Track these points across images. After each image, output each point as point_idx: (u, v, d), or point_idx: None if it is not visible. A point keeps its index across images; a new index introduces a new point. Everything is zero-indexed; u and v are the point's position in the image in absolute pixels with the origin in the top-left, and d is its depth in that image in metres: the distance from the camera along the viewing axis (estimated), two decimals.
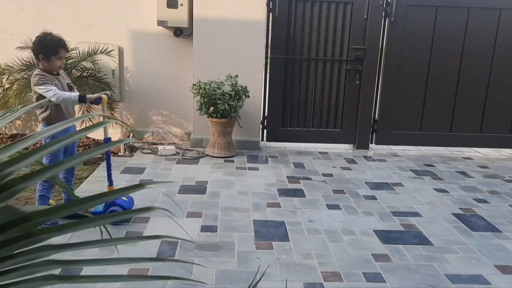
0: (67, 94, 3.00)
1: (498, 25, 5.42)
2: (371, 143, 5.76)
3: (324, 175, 4.59)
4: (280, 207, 3.69)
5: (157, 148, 5.13)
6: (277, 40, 5.41)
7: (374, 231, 3.31)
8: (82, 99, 3.04)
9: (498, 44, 5.46)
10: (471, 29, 5.41)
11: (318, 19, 5.36)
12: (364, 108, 5.58)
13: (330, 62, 5.50)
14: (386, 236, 3.22)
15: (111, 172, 3.32)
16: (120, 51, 5.31)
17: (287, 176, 4.47)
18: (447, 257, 2.95)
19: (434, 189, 4.31)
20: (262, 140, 5.69)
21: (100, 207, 3.31)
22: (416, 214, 3.65)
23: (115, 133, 5.41)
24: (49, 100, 3.01)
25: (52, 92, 2.94)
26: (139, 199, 3.59)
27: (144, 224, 3.22)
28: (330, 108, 5.62)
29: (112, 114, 5.09)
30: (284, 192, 4.02)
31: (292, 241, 3.08)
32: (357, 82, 5.50)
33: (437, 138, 5.74)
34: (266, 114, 5.63)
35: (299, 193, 4.03)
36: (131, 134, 5.52)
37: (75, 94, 3.04)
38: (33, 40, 3.06)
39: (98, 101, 3.15)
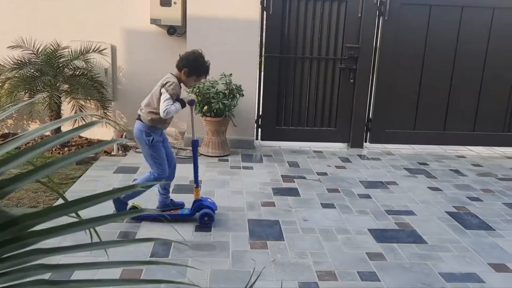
0: (173, 108, 3.01)
1: (491, 24, 5.44)
2: (366, 141, 5.77)
3: (318, 174, 4.59)
4: (274, 206, 3.68)
5: None
6: (271, 39, 5.40)
7: (369, 230, 3.31)
8: (183, 106, 3.11)
9: (491, 43, 5.49)
10: (464, 28, 5.43)
11: (312, 18, 5.35)
12: (358, 107, 5.58)
13: (325, 60, 5.50)
14: (380, 235, 3.22)
15: (198, 174, 3.31)
16: (113, 50, 5.29)
17: (281, 175, 4.46)
18: (441, 256, 2.95)
19: (428, 187, 4.32)
20: (257, 139, 5.67)
21: (185, 210, 3.33)
22: (410, 213, 3.66)
23: (108, 132, 5.37)
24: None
25: (165, 106, 2.97)
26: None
27: (138, 224, 3.19)
28: (325, 107, 5.62)
29: (105, 113, 5.05)
30: (278, 191, 4.01)
31: (287, 240, 3.07)
32: (351, 81, 5.50)
33: (431, 137, 5.76)
34: (260, 113, 5.62)
35: (293, 192, 4.02)
36: (124, 134, 5.47)
37: (178, 106, 3.05)
38: (189, 53, 3.10)
39: (192, 102, 3.20)
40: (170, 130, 5.60)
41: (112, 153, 4.91)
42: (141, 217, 3.26)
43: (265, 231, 3.21)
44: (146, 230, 3.12)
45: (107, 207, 3.33)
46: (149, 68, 5.42)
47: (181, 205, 3.41)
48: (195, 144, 3.25)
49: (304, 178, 4.43)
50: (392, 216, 3.58)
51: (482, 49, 5.51)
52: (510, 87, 5.62)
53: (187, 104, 3.17)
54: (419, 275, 2.70)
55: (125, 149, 5.08)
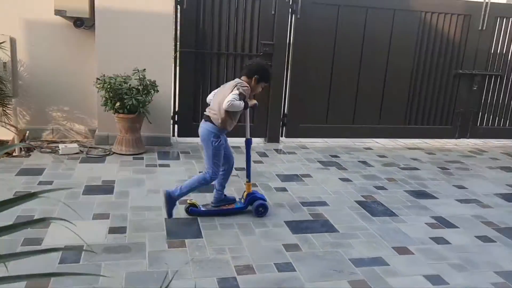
0: (237, 104, 3.12)
1: (392, 24, 5.86)
2: (281, 136, 5.93)
3: (237, 169, 4.59)
4: None
5: (58, 147, 4.78)
6: (186, 34, 5.32)
7: (285, 222, 3.41)
8: (246, 106, 3.21)
9: (393, 42, 5.91)
10: (369, 27, 5.79)
11: (227, 13, 5.36)
12: (274, 103, 5.72)
13: (240, 56, 5.54)
14: (296, 226, 3.34)
15: (250, 170, 3.53)
16: (13, 42, 4.85)
17: (199, 172, 4.43)
18: (351, 243, 3.13)
19: (339, 178, 4.56)
20: (174, 135, 5.57)
21: (238, 204, 3.52)
22: (323, 204, 3.83)
23: (8, 132, 4.92)
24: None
25: (230, 98, 3.08)
26: (37, 202, 3.31)
27: (45, 230, 2.97)
28: None
29: (4, 111, 4.63)
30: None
31: (205, 237, 3.06)
32: None
33: (341, 130, 6.07)
34: (177, 109, 5.52)
35: (212, 188, 4.00)
36: (27, 133, 5.06)
37: (242, 104, 3.15)
38: (259, 62, 3.40)
39: (255, 106, 3.34)
40: (79, 128, 5.30)
41: (14, 154, 4.52)
42: (192, 212, 3.37)
43: (183, 230, 3.16)
44: (55, 234, 2.92)
45: (12, 212, 3.07)
46: (55, 62, 5.07)
47: (233, 200, 3.57)
48: (249, 142, 3.50)
49: None
50: (307, 207, 3.72)
51: (385, 47, 5.91)
52: (409, 83, 6.10)
53: (249, 107, 3.28)
54: (331, 263, 2.84)
55: (28, 149, 4.71)
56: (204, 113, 3.30)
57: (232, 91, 3.13)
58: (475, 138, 6.59)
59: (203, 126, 3.25)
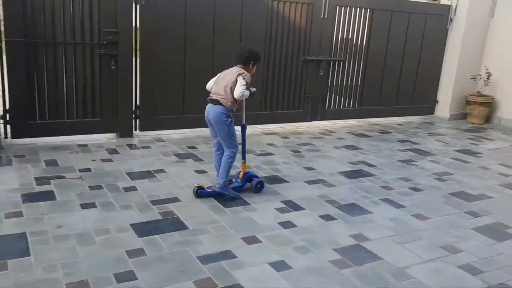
0: (246, 93, 3.60)
1: (242, 11, 5.86)
2: (136, 130, 5.59)
3: (81, 171, 4.20)
4: (22, 216, 3.19)
5: None
6: (12, 21, 4.62)
7: (131, 225, 3.17)
8: (250, 95, 3.67)
9: (243, 29, 5.90)
10: (219, 14, 5.70)
11: None
12: (124, 94, 5.34)
13: (81, 46, 5.03)
14: (142, 229, 3.13)
15: (246, 152, 3.98)
16: None
17: (35, 178, 3.92)
18: (201, 239, 3.04)
19: (195, 171, 4.44)
20: (6, 137, 4.86)
21: (235, 183, 3.88)
22: (175, 200, 3.67)
23: None
24: None
25: (241, 89, 3.54)
26: None
27: None
28: (87, 96, 5.18)
29: None
30: (29, 198, 3.50)
31: (33, 255, 2.69)
32: (113, 67, 5.20)
33: (200, 120, 5.90)
34: (7, 107, 4.82)
35: (48, 196, 3.57)
36: None
37: (248, 93, 3.63)
38: (249, 48, 3.79)
39: (254, 94, 3.72)
40: None
41: None
42: (201, 194, 3.72)
43: (6, 249, 2.73)
44: None
45: None
46: None
47: (231, 180, 3.88)
48: (244, 127, 3.92)
49: (63, 177, 3.99)
50: (157, 206, 3.53)
51: (236, 35, 5.87)
52: (262, 70, 6.21)
53: (250, 94, 3.67)
54: (178, 264, 2.71)
55: None
56: (210, 98, 3.71)
57: (237, 79, 3.54)
58: (325, 120, 7.04)
59: (214, 109, 3.66)
